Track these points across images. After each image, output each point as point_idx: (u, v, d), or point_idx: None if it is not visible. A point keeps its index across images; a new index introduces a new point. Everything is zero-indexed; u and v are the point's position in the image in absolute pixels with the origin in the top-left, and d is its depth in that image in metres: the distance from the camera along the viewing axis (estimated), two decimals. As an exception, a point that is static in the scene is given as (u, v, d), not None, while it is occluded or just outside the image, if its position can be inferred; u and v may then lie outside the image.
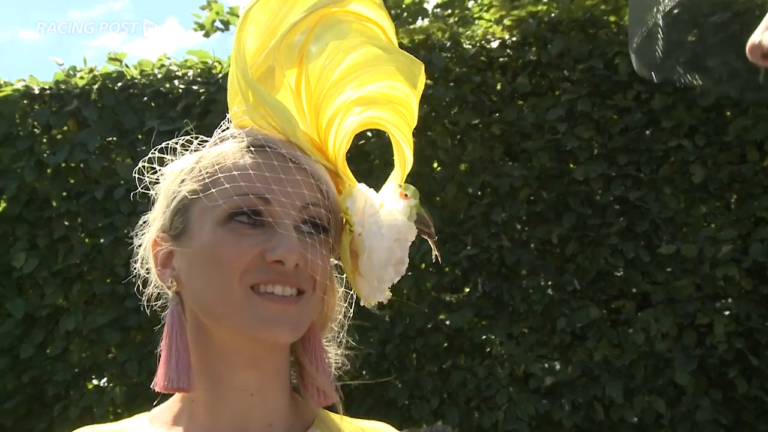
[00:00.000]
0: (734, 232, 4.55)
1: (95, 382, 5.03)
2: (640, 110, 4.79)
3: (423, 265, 4.79)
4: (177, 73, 5.08)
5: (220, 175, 1.16)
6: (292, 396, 1.27)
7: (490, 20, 5.20)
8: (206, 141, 1.25)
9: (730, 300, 4.59)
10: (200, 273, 1.15)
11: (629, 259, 4.69)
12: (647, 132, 4.88)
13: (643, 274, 4.68)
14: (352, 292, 1.28)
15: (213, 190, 1.15)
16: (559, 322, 4.65)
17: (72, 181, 5.08)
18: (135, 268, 1.29)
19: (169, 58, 5.20)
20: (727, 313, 4.52)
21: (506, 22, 5.13)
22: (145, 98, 5.03)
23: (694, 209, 4.73)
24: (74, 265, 4.93)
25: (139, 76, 5.08)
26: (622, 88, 4.83)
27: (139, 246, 1.28)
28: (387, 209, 1.24)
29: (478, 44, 5.03)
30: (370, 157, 4.85)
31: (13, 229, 5.02)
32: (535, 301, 4.71)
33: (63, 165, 5.02)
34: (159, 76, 5.08)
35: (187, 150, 1.24)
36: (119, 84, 5.04)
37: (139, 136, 5.00)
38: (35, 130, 5.08)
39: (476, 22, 5.29)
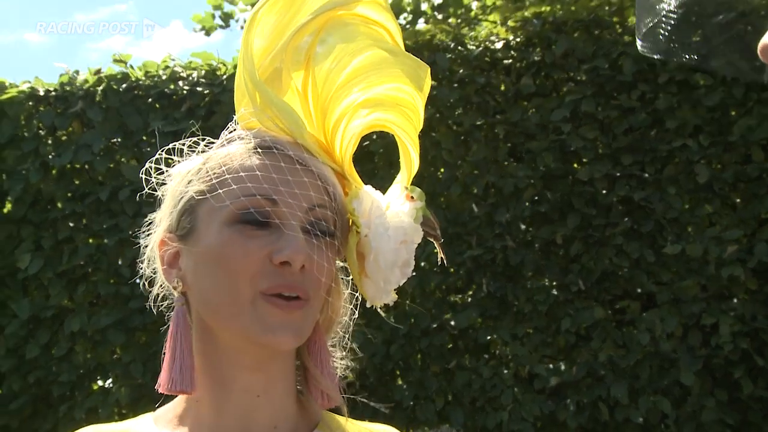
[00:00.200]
0: (739, 232, 4.54)
1: (100, 382, 5.04)
2: (644, 110, 4.79)
3: (427, 266, 4.79)
4: (181, 75, 5.09)
5: (227, 176, 1.16)
6: (297, 398, 1.28)
7: (494, 21, 5.20)
8: (213, 143, 1.25)
9: (735, 300, 4.58)
10: (207, 273, 1.16)
11: (634, 260, 4.69)
12: (652, 132, 4.88)
13: (648, 274, 4.68)
14: (357, 294, 1.29)
15: (220, 191, 1.15)
16: (563, 323, 4.64)
17: (77, 183, 5.08)
18: (141, 269, 1.29)
19: (173, 60, 5.20)
20: (732, 313, 4.51)
21: (510, 23, 5.13)
22: (150, 99, 5.03)
23: (699, 209, 4.72)
24: (79, 266, 4.94)
25: (143, 78, 5.09)
26: (626, 88, 4.83)
27: (145, 246, 1.28)
28: (393, 211, 1.24)
29: (482, 45, 5.03)
30: (374, 157, 4.86)
31: (18, 230, 5.03)
32: (540, 301, 4.71)
33: (68, 166, 5.03)
34: (163, 77, 5.08)
35: (193, 151, 1.25)
36: (124, 85, 5.04)
37: (144, 138, 5.00)
38: (40, 131, 5.09)
39: (480, 23, 5.28)
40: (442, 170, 4.92)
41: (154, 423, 1.25)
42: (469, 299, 4.93)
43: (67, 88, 5.08)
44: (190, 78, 5.06)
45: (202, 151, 1.24)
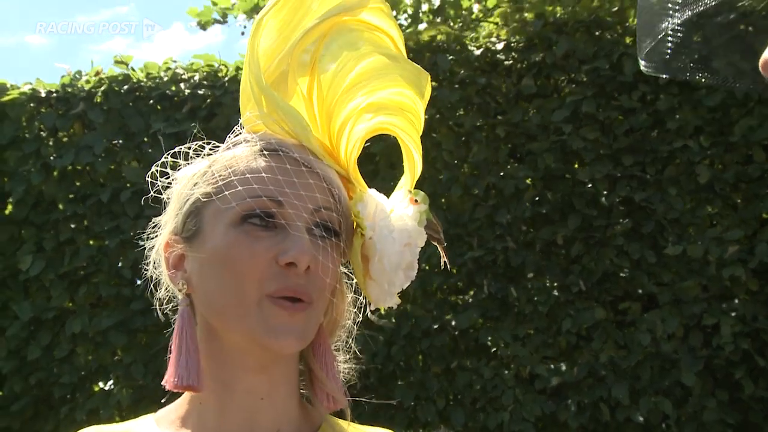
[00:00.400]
0: (740, 232, 4.54)
1: (101, 384, 5.04)
2: (645, 111, 4.79)
3: (428, 267, 4.80)
4: (183, 76, 5.09)
5: (233, 177, 1.17)
6: (300, 401, 1.28)
7: (495, 23, 5.20)
8: (218, 146, 1.26)
9: (736, 301, 4.58)
10: (212, 275, 1.16)
11: (635, 260, 4.69)
12: (653, 133, 4.88)
13: (648, 275, 4.68)
14: (361, 297, 1.29)
15: (226, 193, 1.16)
16: (564, 324, 4.64)
17: (78, 184, 5.09)
18: (143, 271, 1.30)
19: (175, 61, 5.21)
20: (733, 313, 4.51)
21: (511, 24, 5.13)
22: (151, 101, 5.04)
23: (700, 210, 4.72)
24: (80, 268, 4.94)
25: (145, 79, 5.09)
26: (627, 89, 4.83)
27: (150, 249, 1.29)
28: (397, 214, 1.25)
29: (483, 46, 5.03)
30: (375, 158, 4.86)
31: (19, 231, 5.04)
32: (541, 302, 4.71)
33: (69, 168, 5.04)
34: (165, 79, 5.09)
35: (198, 155, 1.25)
36: (125, 87, 5.05)
37: (145, 139, 5.01)
38: (41, 133, 5.10)
39: (480, 24, 5.28)
40: (442, 171, 4.93)
41: (156, 424, 1.25)
42: (470, 300, 4.93)
43: (69, 90, 5.08)
44: (192, 80, 5.07)
45: (207, 155, 1.25)
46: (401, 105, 1.27)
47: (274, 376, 1.22)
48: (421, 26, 5.21)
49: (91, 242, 5.01)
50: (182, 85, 5.05)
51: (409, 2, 6.18)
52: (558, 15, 5.07)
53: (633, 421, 4.53)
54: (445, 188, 4.87)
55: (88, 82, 5.10)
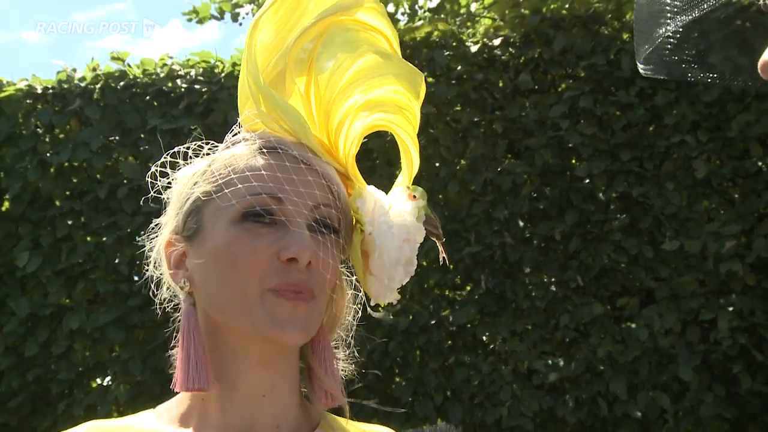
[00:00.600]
0: (737, 227, 4.54)
1: (99, 380, 5.04)
2: (642, 106, 4.79)
3: (426, 263, 4.80)
4: (179, 73, 5.09)
5: (233, 176, 1.18)
6: (300, 398, 1.29)
7: (493, 18, 5.19)
8: (217, 146, 1.27)
9: (733, 295, 4.58)
10: (214, 272, 1.17)
11: (632, 256, 4.69)
12: (650, 128, 4.88)
13: (646, 270, 4.68)
14: (360, 294, 1.30)
15: (226, 191, 1.17)
16: (562, 319, 4.65)
17: (75, 181, 5.08)
18: (141, 267, 1.31)
19: (171, 58, 5.20)
20: (730, 308, 4.52)
21: (507, 19, 5.12)
22: (148, 97, 5.03)
23: (697, 205, 4.72)
24: (77, 264, 4.94)
25: (141, 76, 5.09)
26: (624, 84, 4.83)
27: (150, 249, 1.30)
28: (396, 210, 1.26)
29: (480, 42, 5.03)
30: (373, 154, 4.86)
31: (16, 228, 5.03)
32: (538, 297, 4.72)
33: (66, 164, 5.03)
34: (161, 75, 5.08)
35: (197, 155, 1.26)
36: (122, 83, 5.04)
37: (142, 135, 5.00)
38: (38, 129, 5.09)
39: (479, 20, 5.28)
40: (440, 167, 4.93)
41: (157, 419, 1.25)
42: (468, 296, 4.93)
43: (65, 86, 5.07)
44: (188, 76, 5.06)
45: (207, 154, 1.26)
46: (397, 102, 1.29)
47: (276, 373, 1.22)
48: (419, 23, 5.19)
49: (88, 238, 5.00)
50: (179, 82, 5.04)
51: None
52: (555, 10, 5.06)
53: (631, 416, 4.54)
54: (443, 184, 4.87)
55: (84, 78, 5.09)
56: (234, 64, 5.04)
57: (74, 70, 5.16)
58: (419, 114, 1.31)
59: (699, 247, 4.52)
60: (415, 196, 1.26)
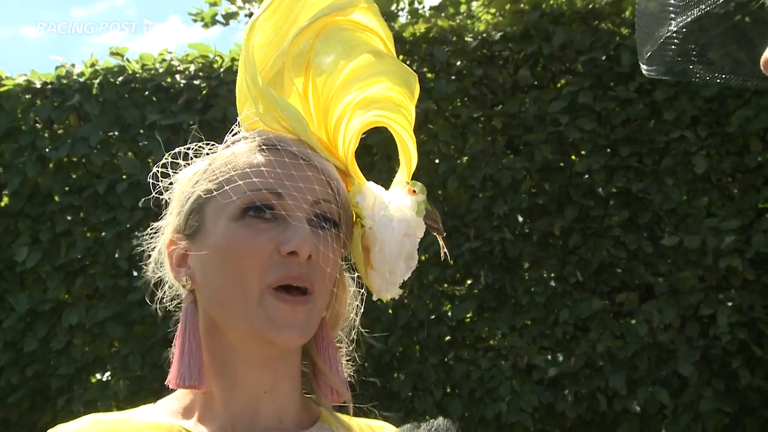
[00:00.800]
0: (737, 222, 4.54)
1: (98, 375, 5.04)
2: (642, 101, 4.78)
3: (425, 258, 4.80)
4: (178, 68, 5.08)
5: (233, 173, 1.19)
6: (302, 393, 1.30)
7: (492, 13, 5.19)
8: (217, 146, 1.29)
9: (733, 291, 4.58)
10: (215, 270, 1.19)
11: (632, 251, 4.69)
12: (649, 123, 4.88)
13: (645, 265, 4.68)
14: (363, 290, 1.31)
15: (227, 188, 1.18)
16: (561, 314, 4.65)
17: (74, 176, 5.08)
18: (140, 263, 1.32)
19: (170, 53, 5.18)
20: (730, 303, 4.52)
21: (507, 12, 5.11)
22: (147, 92, 5.02)
23: (697, 200, 4.72)
24: (77, 260, 4.94)
25: (140, 71, 5.08)
26: (624, 79, 4.83)
27: (152, 249, 1.31)
28: (396, 205, 1.27)
29: (479, 38, 5.02)
30: (372, 150, 4.86)
31: (15, 223, 5.02)
32: (538, 293, 4.72)
33: (65, 159, 5.03)
34: (160, 70, 5.07)
35: (198, 155, 1.28)
36: (120, 78, 5.03)
37: (141, 131, 4.99)
38: (37, 124, 5.08)
39: (479, 17, 5.27)
40: (439, 163, 4.92)
41: (160, 412, 1.27)
42: (467, 291, 4.93)
43: (64, 81, 5.06)
44: (187, 71, 5.05)
45: (207, 154, 1.27)
46: (393, 99, 1.30)
47: (276, 371, 1.24)
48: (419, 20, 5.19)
49: (87, 234, 4.99)
50: (178, 77, 5.03)
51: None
52: (554, 6, 5.05)
53: (630, 411, 4.54)
54: (442, 180, 4.86)
55: (83, 73, 5.08)
56: (233, 59, 5.03)
57: (73, 65, 5.15)
58: (414, 113, 1.32)
59: (698, 242, 4.52)
60: (414, 191, 1.27)
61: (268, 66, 1.29)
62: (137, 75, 5.05)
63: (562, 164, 4.87)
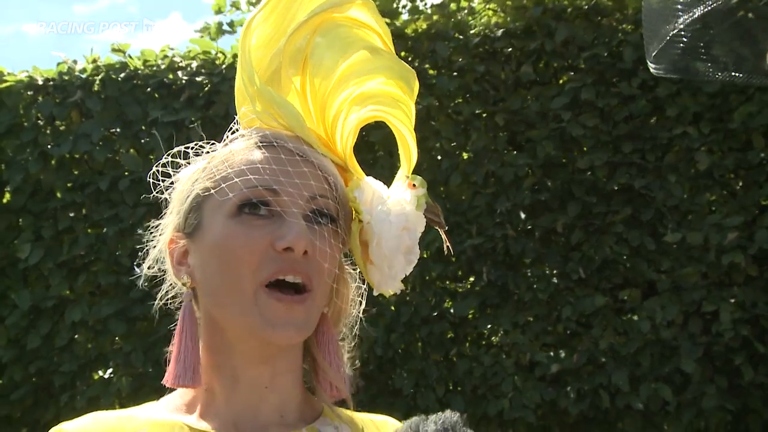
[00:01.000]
0: (740, 219, 4.53)
1: (101, 372, 5.05)
2: (644, 98, 4.78)
3: (427, 254, 4.80)
4: (180, 64, 5.07)
5: (230, 170, 1.20)
6: (303, 389, 1.31)
7: (495, 9, 5.18)
8: (217, 144, 1.29)
9: (736, 287, 4.58)
10: (213, 266, 1.20)
11: (634, 248, 4.68)
12: (652, 119, 4.87)
13: (648, 262, 4.68)
14: (364, 285, 1.31)
15: (223, 185, 1.19)
16: (564, 311, 4.65)
17: (76, 173, 5.08)
18: (142, 259, 1.33)
19: (172, 49, 5.18)
20: (733, 300, 4.51)
21: (509, 8, 5.10)
22: (149, 89, 5.02)
23: (699, 197, 4.71)
24: (79, 257, 4.94)
25: (142, 67, 5.07)
26: (626, 75, 4.82)
27: (153, 247, 1.32)
28: (395, 199, 1.27)
29: (481, 34, 5.02)
30: (374, 146, 4.86)
31: (17, 220, 5.03)
32: (540, 289, 4.71)
33: (67, 156, 5.03)
34: (162, 66, 5.07)
35: (198, 155, 1.29)
36: (122, 75, 5.03)
37: (143, 127, 4.99)
38: (39, 121, 5.08)
39: (480, 13, 5.25)
40: (441, 159, 4.92)
41: (162, 409, 1.27)
42: (470, 288, 4.93)
43: (66, 78, 5.06)
44: (189, 67, 5.05)
45: (207, 152, 1.28)
46: (391, 94, 1.30)
47: (277, 367, 1.24)
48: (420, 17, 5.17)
49: (89, 230, 5.00)
50: (180, 73, 5.03)
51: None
52: (557, 1, 5.04)
53: (633, 408, 4.54)
54: (444, 176, 4.86)
55: (85, 69, 5.08)
56: (235, 56, 5.03)
57: (75, 62, 5.15)
58: (414, 109, 1.31)
59: (701, 238, 4.52)
60: (414, 185, 1.27)
61: (266, 64, 1.29)
62: (139, 71, 5.05)
63: (564, 161, 4.86)
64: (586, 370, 4.63)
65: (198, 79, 4.97)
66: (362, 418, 1.33)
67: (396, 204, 1.25)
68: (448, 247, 1.35)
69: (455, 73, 4.98)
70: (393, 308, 4.79)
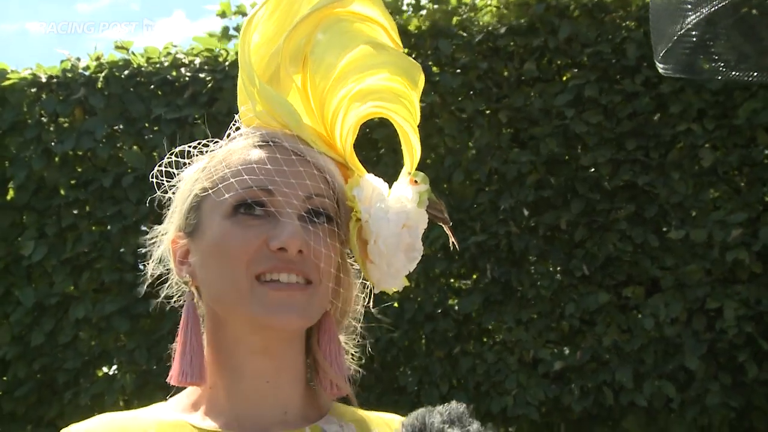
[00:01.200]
0: (744, 215, 4.52)
1: (105, 369, 5.06)
2: (648, 95, 4.77)
3: (431, 251, 4.80)
4: (183, 61, 5.08)
5: (227, 171, 1.20)
6: (308, 387, 1.30)
7: (497, 6, 5.17)
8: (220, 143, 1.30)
9: (740, 284, 4.57)
10: (211, 265, 1.21)
11: (638, 245, 4.68)
12: (655, 116, 4.87)
13: (652, 259, 4.67)
14: (368, 284, 1.31)
15: (220, 186, 1.20)
16: (567, 308, 4.64)
17: (80, 170, 5.08)
18: (146, 258, 1.34)
19: (175, 46, 5.18)
20: (737, 297, 4.50)
21: (512, 5, 5.09)
22: (152, 86, 5.02)
23: (703, 193, 4.70)
24: (83, 254, 4.94)
25: (145, 65, 5.08)
26: (630, 72, 4.81)
27: (158, 247, 1.33)
28: (396, 196, 1.26)
29: (484, 31, 5.01)
30: (377, 144, 4.86)
31: (21, 217, 5.04)
32: (544, 286, 4.71)
33: (70, 153, 5.03)
34: (166, 64, 5.07)
35: (202, 153, 1.29)
36: (126, 72, 5.03)
37: (146, 124, 5.00)
38: (42, 118, 5.09)
39: (482, 10, 5.24)
40: (445, 156, 4.91)
41: (169, 409, 1.28)
42: (473, 285, 4.93)
43: (69, 75, 5.06)
44: (192, 65, 5.05)
45: (210, 151, 1.29)
46: (393, 90, 1.29)
47: (279, 360, 1.24)
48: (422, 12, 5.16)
49: (93, 228, 5.01)
50: (183, 70, 5.03)
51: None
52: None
53: (636, 405, 4.54)
54: (448, 173, 4.86)
55: (88, 67, 5.08)
56: (238, 53, 5.02)
57: (78, 59, 5.15)
58: (418, 103, 1.30)
59: (705, 235, 4.51)
60: (416, 181, 1.26)
61: (266, 62, 1.29)
62: (142, 69, 5.05)
63: (567, 158, 4.86)
64: (590, 367, 4.63)
65: (201, 76, 4.97)
66: (370, 415, 1.34)
67: (396, 201, 1.24)
68: (453, 243, 1.35)
69: (458, 71, 4.97)
70: (396, 305, 4.79)
